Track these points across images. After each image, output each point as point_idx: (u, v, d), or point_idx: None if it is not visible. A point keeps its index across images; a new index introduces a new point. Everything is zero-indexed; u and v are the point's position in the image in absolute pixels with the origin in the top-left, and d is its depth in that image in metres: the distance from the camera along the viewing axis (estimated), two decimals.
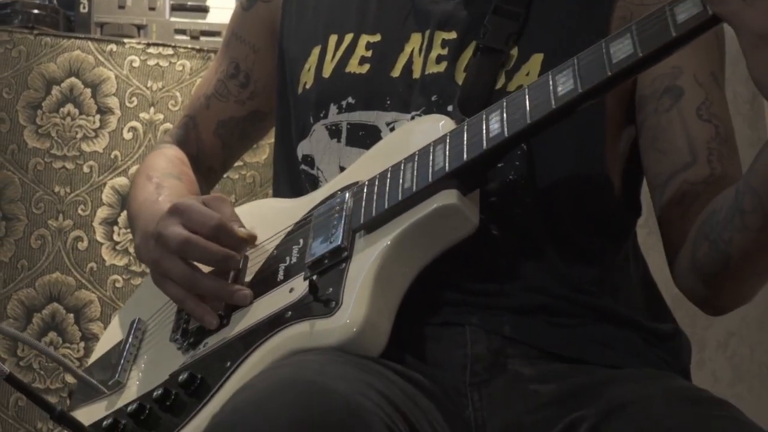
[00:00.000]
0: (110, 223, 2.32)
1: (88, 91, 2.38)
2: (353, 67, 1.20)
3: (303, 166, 1.23)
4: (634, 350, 1.09)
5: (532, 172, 1.11)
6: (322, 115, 1.21)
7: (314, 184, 1.21)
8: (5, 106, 2.36)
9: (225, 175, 2.32)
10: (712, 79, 1.13)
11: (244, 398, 0.85)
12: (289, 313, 1.02)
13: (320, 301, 1.00)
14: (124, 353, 1.19)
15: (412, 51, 1.17)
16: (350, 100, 1.19)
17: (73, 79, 2.38)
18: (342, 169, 1.18)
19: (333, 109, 1.20)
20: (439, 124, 1.09)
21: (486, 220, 1.07)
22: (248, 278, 1.13)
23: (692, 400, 0.98)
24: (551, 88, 0.99)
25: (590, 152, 1.14)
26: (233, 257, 1.10)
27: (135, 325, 1.22)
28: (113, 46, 2.39)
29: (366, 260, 1.01)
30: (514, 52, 1.13)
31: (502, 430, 1.01)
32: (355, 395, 0.86)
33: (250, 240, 1.13)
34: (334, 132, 1.20)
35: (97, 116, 2.37)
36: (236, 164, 2.33)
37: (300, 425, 0.80)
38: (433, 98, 1.14)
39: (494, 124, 1.02)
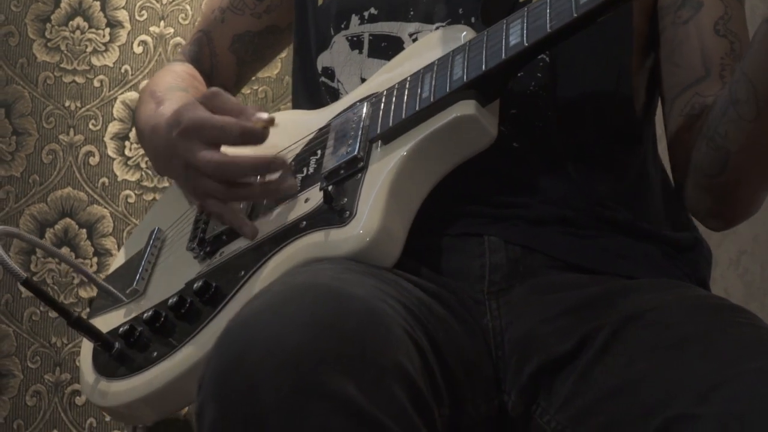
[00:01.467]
0: (122, 138, 2.31)
1: (98, 3, 2.35)
2: None
3: (323, 79, 1.21)
4: (652, 262, 1.09)
5: (554, 85, 1.10)
6: (343, 26, 1.19)
7: (334, 96, 1.20)
8: (14, 19, 2.34)
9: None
10: None
11: (260, 303, 0.85)
12: (304, 222, 1.02)
13: (335, 211, 0.99)
14: (143, 262, 1.20)
15: None
16: (372, 10, 1.17)
17: None
18: (363, 80, 1.17)
19: (354, 20, 1.18)
20: (461, 35, 1.08)
21: (506, 132, 1.06)
22: None
23: (710, 307, 0.98)
24: None
25: (616, 66, 1.13)
26: (274, 159, 1.05)
27: (154, 235, 1.23)
28: None
29: (381, 171, 1.00)
30: None
31: (520, 339, 1.01)
32: (374, 300, 0.85)
33: (270, 122, 1.04)
34: (355, 43, 1.18)
35: (107, 30, 2.35)
36: None
37: (319, 325, 0.80)
38: (459, 11, 1.13)
39: (514, 33, 1.00)
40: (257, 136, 1.03)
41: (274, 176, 1.05)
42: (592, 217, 1.09)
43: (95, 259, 2.27)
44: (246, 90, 2.35)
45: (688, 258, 1.13)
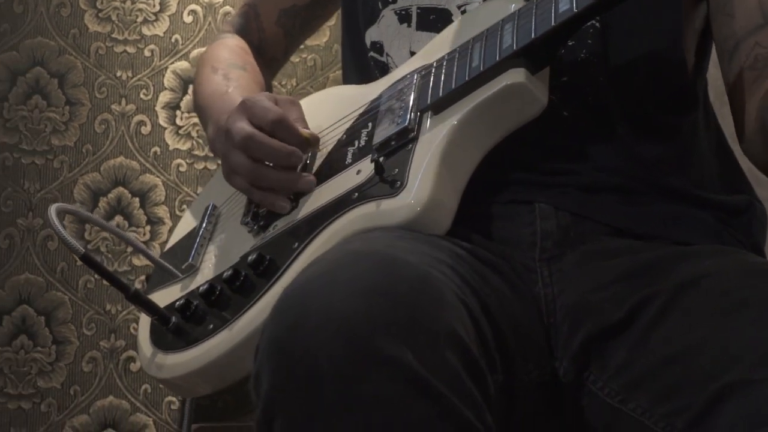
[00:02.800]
0: (172, 107, 2.33)
1: None
2: None
3: (372, 53, 1.22)
4: (705, 228, 1.08)
5: (605, 51, 1.09)
6: (391, 0, 1.18)
7: (384, 70, 1.20)
8: None
9: None
10: None
11: (315, 270, 0.86)
12: (356, 194, 1.02)
13: (386, 181, 1.00)
14: (198, 237, 1.21)
15: None
16: None
17: None
18: (412, 54, 1.17)
19: None
20: (511, 5, 1.07)
21: (556, 99, 1.06)
22: (318, 162, 1.14)
23: (766, 273, 0.97)
24: None
25: (667, 29, 1.11)
26: (294, 153, 1.10)
27: (209, 210, 1.24)
28: None
29: (432, 140, 1.00)
30: None
31: (572, 305, 1.01)
32: (426, 267, 0.86)
33: (312, 141, 1.13)
34: (403, 17, 1.18)
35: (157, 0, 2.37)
36: None
37: (373, 292, 0.80)
38: None
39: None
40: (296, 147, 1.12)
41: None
42: (644, 183, 1.08)
43: (148, 228, 2.30)
44: (295, 58, 2.35)
45: (741, 221, 1.12)
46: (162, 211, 2.29)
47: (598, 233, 1.05)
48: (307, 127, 1.14)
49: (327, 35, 2.39)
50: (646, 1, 1.07)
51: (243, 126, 1.10)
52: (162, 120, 2.32)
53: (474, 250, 1.00)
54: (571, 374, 0.99)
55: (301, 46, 2.35)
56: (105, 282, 2.23)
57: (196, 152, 2.33)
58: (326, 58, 2.40)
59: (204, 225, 1.22)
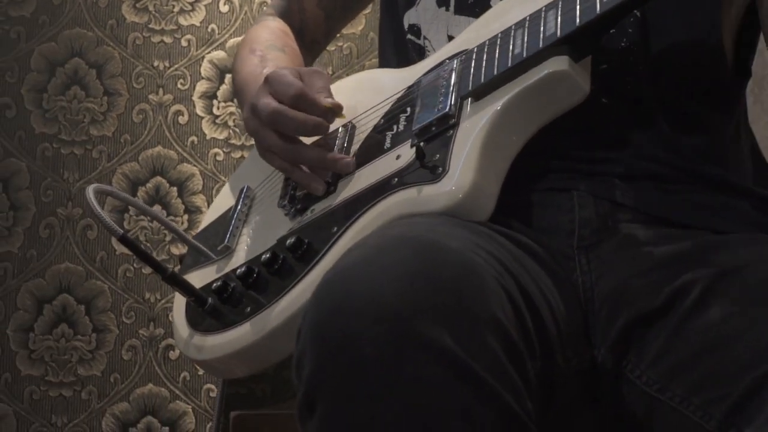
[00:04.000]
0: (209, 96, 2.34)
1: None
2: None
3: (409, 36, 1.22)
4: (744, 217, 1.07)
5: (646, 40, 1.09)
6: None
7: (421, 53, 1.20)
8: None
9: None
10: None
11: (357, 255, 0.86)
12: (396, 179, 1.02)
13: (427, 167, 0.99)
14: (233, 219, 1.21)
15: None
16: None
17: None
18: (450, 38, 1.17)
19: None
20: None
21: (596, 88, 1.05)
22: (356, 146, 1.14)
23: None
24: None
25: (706, 19, 1.11)
26: (321, 124, 1.11)
27: (244, 193, 1.24)
28: None
29: (474, 127, 1.00)
30: None
31: (610, 293, 1.00)
32: (468, 252, 0.86)
33: (336, 109, 1.13)
34: (442, 1, 1.17)
35: None
36: None
37: (415, 277, 0.80)
38: None
39: None
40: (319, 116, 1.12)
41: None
42: (682, 172, 1.07)
43: (185, 216, 2.31)
44: (331, 47, 2.36)
45: None
46: (200, 200, 2.30)
47: (636, 221, 1.05)
48: (330, 96, 1.13)
49: (362, 24, 2.39)
50: None
51: (268, 102, 1.11)
52: (199, 109, 2.33)
53: (514, 236, 1.00)
54: (610, 362, 0.98)
55: (337, 35, 2.36)
56: (144, 271, 2.25)
57: (233, 141, 2.34)
58: (362, 47, 2.40)
59: (239, 207, 1.22)
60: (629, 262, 1.01)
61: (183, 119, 2.33)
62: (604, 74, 1.07)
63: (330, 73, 2.36)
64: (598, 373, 0.99)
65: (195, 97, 2.34)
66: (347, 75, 2.37)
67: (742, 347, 0.87)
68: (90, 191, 1.10)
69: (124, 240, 1.08)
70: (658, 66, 1.09)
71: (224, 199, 1.30)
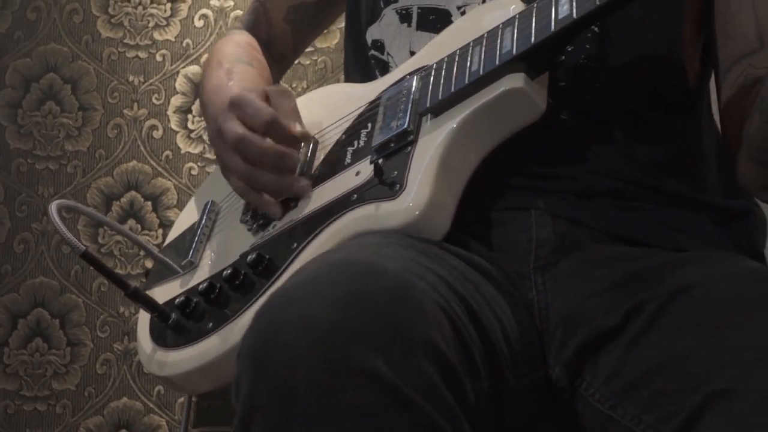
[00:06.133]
0: (184, 111, 2.34)
1: None
2: None
3: (373, 51, 1.22)
4: (703, 233, 1.08)
5: (604, 55, 1.09)
6: None
7: (384, 69, 1.20)
8: None
9: (296, 61, 2.33)
10: None
11: (296, 280, 0.87)
12: (355, 196, 1.03)
13: (385, 184, 1.00)
14: (197, 234, 1.22)
15: None
16: None
17: None
18: (412, 54, 1.17)
19: None
20: (511, 8, 1.07)
21: (554, 104, 1.06)
22: (318, 161, 1.14)
23: (759, 280, 0.96)
24: None
25: (667, 35, 1.11)
26: (287, 156, 1.11)
27: (208, 207, 1.25)
28: None
29: (431, 144, 1.01)
30: None
31: (565, 313, 1.01)
32: (408, 275, 0.85)
33: (305, 138, 1.13)
34: (404, 16, 1.18)
35: (168, 5, 2.38)
36: (307, 50, 2.34)
37: (349, 302, 0.80)
38: None
39: (564, 5, 0.99)
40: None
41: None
42: (641, 186, 1.07)
43: (160, 231, 2.31)
44: (305, 60, 2.36)
45: (740, 225, 1.12)
46: (174, 215, 2.30)
47: (593, 240, 1.05)
48: (300, 121, 1.14)
49: (337, 37, 2.40)
50: (645, 7, 1.07)
51: (235, 127, 1.10)
52: (174, 124, 2.33)
53: (468, 256, 1.00)
54: (564, 380, 0.99)
55: (311, 48, 2.36)
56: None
57: (207, 155, 2.34)
58: (337, 61, 2.41)
59: (203, 221, 1.22)
60: (585, 282, 1.01)
61: (158, 134, 2.34)
62: (562, 91, 1.07)
63: (305, 86, 2.37)
64: (553, 390, 1.00)
65: (170, 112, 2.34)
66: None
67: (691, 365, 0.87)
68: (53, 207, 1.10)
69: (85, 256, 1.08)
70: (618, 81, 1.09)
71: (190, 214, 1.30)
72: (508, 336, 0.96)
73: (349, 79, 1.30)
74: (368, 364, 0.78)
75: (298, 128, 1.12)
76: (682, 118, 1.13)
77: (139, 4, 2.37)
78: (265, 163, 1.11)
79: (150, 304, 1.11)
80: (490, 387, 0.91)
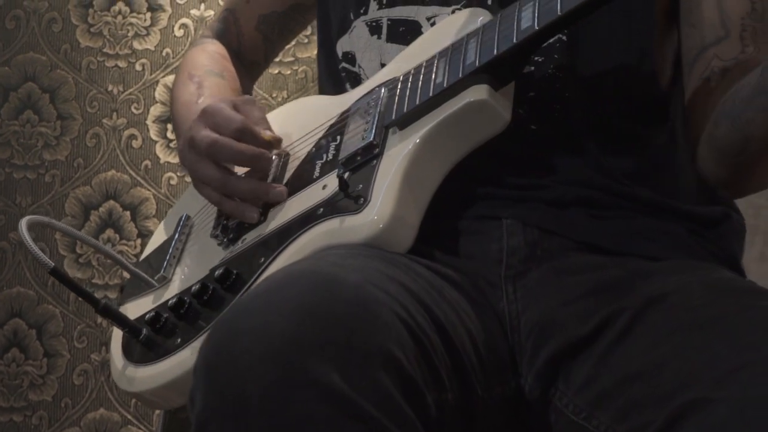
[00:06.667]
0: (164, 120, 2.34)
1: None
2: None
3: (344, 64, 1.22)
4: (677, 242, 1.07)
5: (574, 66, 1.09)
6: (362, 11, 1.20)
7: (356, 81, 1.20)
8: (57, 6, 2.37)
9: (277, 71, 2.33)
10: None
11: (253, 291, 0.87)
12: (321, 209, 1.03)
13: (350, 197, 1.00)
14: (170, 249, 1.22)
15: None
16: None
17: None
18: (383, 66, 1.17)
19: (373, 5, 1.19)
20: (479, 19, 1.07)
21: (524, 114, 1.06)
22: (288, 174, 1.14)
23: (734, 290, 0.97)
24: None
25: (638, 42, 1.11)
26: (262, 155, 1.11)
27: (182, 221, 1.25)
28: None
29: (396, 157, 1.01)
30: None
31: (536, 322, 1.00)
32: (368, 286, 0.85)
33: (275, 143, 1.14)
34: (374, 28, 1.18)
35: (148, 14, 2.38)
36: (288, 60, 2.34)
37: (305, 315, 0.80)
38: None
39: (526, 16, 0.99)
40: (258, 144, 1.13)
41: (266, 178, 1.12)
42: (613, 195, 1.07)
43: (138, 241, 2.30)
44: (286, 70, 2.36)
45: (717, 233, 1.12)
46: (153, 225, 2.29)
47: (565, 249, 1.05)
48: (269, 128, 1.14)
49: (317, 47, 2.40)
50: (614, 14, 1.07)
51: (207, 133, 1.11)
52: (153, 134, 2.32)
53: (436, 266, 1.00)
54: (537, 391, 0.99)
55: (292, 58, 2.36)
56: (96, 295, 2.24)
57: None
58: (317, 71, 2.41)
59: (176, 236, 1.22)
60: (556, 291, 1.01)
61: (137, 143, 2.33)
62: (531, 100, 1.07)
63: (285, 96, 2.36)
64: (525, 401, 1.00)
65: (149, 121, 2.33)
66: None
67: (664, 376, 0.87)
68: (23, 224, 1.09)
69: (54, 273, 1.08)
70: (587, 91, 1.09)
71: (167, 227, 1.30)
72: (476, 346, 0.96)
73: (322, 91, 1.30)
74: (322, 376, 0.77)
75: (268, 134, 1.13)
76: (655, 126, 1.13)
77: (119, 13, 2.37)
78: (239, 164, 1.12)
79: (121, 320, 1.11)
80: (457, 398, 0.90)
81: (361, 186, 1.01)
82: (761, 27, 1.06)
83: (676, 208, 1.09)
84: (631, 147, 1.11)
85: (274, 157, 1.17)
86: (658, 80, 1.13)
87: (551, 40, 1.07)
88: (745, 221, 1.19)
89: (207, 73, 1.32)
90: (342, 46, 1.23)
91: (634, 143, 1.11)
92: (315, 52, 2.40)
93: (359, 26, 1.20)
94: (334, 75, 1.25)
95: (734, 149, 1.00)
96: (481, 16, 1.08)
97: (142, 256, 1.31)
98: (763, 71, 0.95)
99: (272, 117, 1.23)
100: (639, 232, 1.07)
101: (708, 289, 0.96)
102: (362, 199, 0.99)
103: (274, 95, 2.37)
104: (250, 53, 1.41)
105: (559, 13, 0.97)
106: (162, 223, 1.33)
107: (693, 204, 1.11)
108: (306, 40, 2.34)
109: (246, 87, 1.41)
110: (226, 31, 1.41)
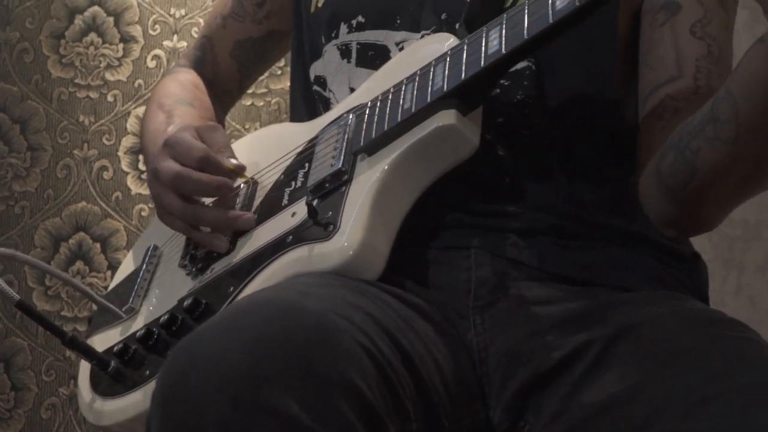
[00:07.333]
0: (135, 152, 2.32)
1: (111, 19, 2.37)
2: None
3: (316, 88, 1.22)
4: (647, 272, 1.07)
5: (541, 92, 1.09)
6: (333, 35, 1.19)
7: (326, 106, 1.20)
8: (29, 36, 2.36)
9: (250, 102, 2.32)
10: (716, 0, 1.09)
11: (219, 316, 0.86)
12: (290, 237, 1.02)
13: (320, 225, 1.00)
14: (138, 280, 1.20)
15: None
16: (360, 19, 1.17)
17: (95, 8, 2.37)
18: (352, 90, 1.17)
19: (344, 28, 1.18)
20: (446, 44, 1.07)
21: (492, 140, 1.06)
22: (257, 203, 1.14)
23: (705, 320, 0.96)
24: (550, 2, 0.96)
25: (601, 72, 1.11)
26: (225, 184, 1.10)
27: (150, 252, 1.23)
28: None
29: (365, 184, 1.00)
30: None
31: (505, 353, 1.00)
32: (330, 314, 0.84)
33: (239, 170, 1.13)
34: (344, 52, 1.18)
35: (121, 45, 2.37)
36: (261, 91, 2.34)
37: (264, 343, 0.79)
38: (443, 16, 1.12)
39: (493, 40, 0.99)
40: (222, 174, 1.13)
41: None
42: (583, 224, 1.07)
43: (109, 273, 2.28)
44: (259, 102, 2.36)
45: (687, 267, 1.12)
46: (123, 257, 2.26)
47: (533, 279, 1.04)
48: (233, 155, 1.13)
49: (291, 73, 2.39)
50: (579, 44, 1.07)
51: (170, 165, 1.10)
52: (124, 165, 2.31)
53: (404, 295, 0.99)
54: (506, 423, 0.98)
55: (265, 90, 2.35)
56: (64, 327, 2.21)
57: None
58: (290, 97, 2.40)
59: (144, 266, 1.21)
60: (525, 322, 1.01)
61: (108, 174, 2.31)
62: (500, 126, 1.07)
63: (257, 127, 2.36)
64: None
65: (120, 153, 2.32)
66: None
67: (635, 407, 0.87)
68: None
69: (20, 306, 1.07)
70: (555, 118, 1.09)
71: (135, 258, 1.29)
72: (444, 377, 0.95)
73: (294, 116, 1.30)
74: (281, 405, 0.76)
75: (231, 162, 1.12)
76: (623, 155, 1.12)
77: (91, 44, 2.36)
78: (202, 195, 1.11)
79: (88, 352, 1.09)
80: (422, 429, 0.90)
81: (330, 213, 1.00)
82: (716, 70, 1.05)
83: (647, 238, 1.09)
84: (600, 178, 1.11)
85: (242, 186, 1.16)
86: (622, 113, 1.13)
87: (520, 67, 1.07)
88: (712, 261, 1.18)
89: (177, 102, 1.32)
90: (315, 70, 1.22)
91: (603, 174, 1.11)
92: (288, 84, 2.40)
93: (330, 50, 1.19)
94: (307, 100, 1.25)
95: (678, 181, 0.98)
96: (449, 41, 1.07)
97: (110, 287, 1.30)
98: (714, 101, 0.94)
99: (240, 145, 1.22)
100: (609, 263, 1.06)
101: (679, 320, 0.96)
102: (332, 226, 0.98)
103: (247, 126, 2.36)
104: (223, 82, 1.40)
105: (525, 36, 0.97)
106: (130, 252, 1.32)
107: (663, 238, 1.11)
108: (279, 72, 2.34)
109: (219, 117, 1.40)
110: (202, 58, 1.41)
